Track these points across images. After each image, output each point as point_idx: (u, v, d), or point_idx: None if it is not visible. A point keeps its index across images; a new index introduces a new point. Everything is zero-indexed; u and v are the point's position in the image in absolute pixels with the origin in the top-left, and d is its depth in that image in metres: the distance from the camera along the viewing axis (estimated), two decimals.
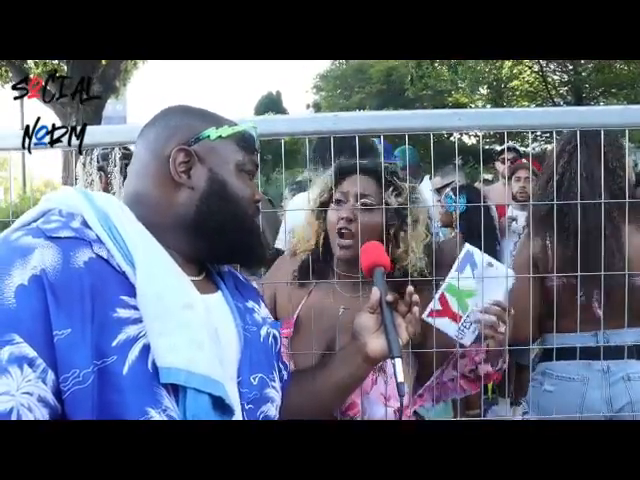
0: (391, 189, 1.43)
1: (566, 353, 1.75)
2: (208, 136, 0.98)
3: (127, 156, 1.84)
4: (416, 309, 1.09)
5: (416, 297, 1.09)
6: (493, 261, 1.38)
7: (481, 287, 1.37)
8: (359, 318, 1.12)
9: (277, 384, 1.06)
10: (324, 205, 1.51)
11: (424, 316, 1.38)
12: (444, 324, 1.38)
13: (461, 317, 1.38)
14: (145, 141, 1.01)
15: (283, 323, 1.50)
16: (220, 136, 0.99)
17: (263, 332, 1.08)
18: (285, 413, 1.08)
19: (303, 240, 1.55)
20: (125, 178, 1.70)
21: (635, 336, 1.73)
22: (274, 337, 1.11)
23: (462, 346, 1.38)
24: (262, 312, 1.12)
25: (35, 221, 0.90)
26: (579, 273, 1.42)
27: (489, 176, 5.63)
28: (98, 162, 2.19)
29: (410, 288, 1.11)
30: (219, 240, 0.99)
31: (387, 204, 1.42)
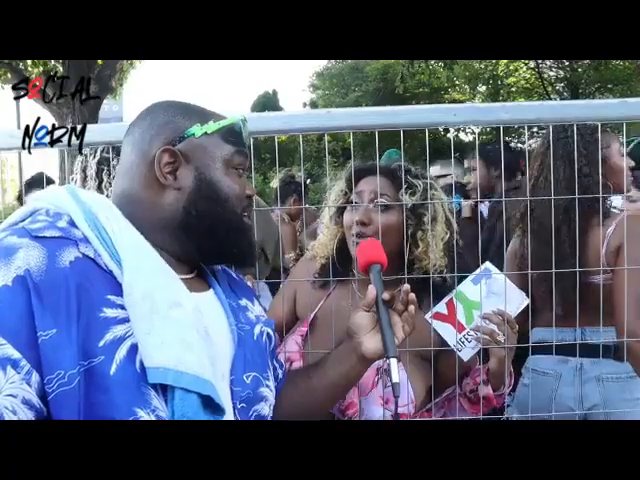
0: (405, 187, 1.41)
1: (549, 347, 1.74)
2: (193, 134, 0.95)
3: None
4: (412, 308, 1.08)
5: (412, 296, 1.08)
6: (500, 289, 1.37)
7: (490, 302, 1.36)
8: (355, 317, 1.10)
9: (271, 383, 1.05)
10: (342, 207, 1.50)
11: (427, 316, 1.38)
12: (445, 330, 1.37)
13: (464, 328, 1.37)
14: (131, 140, 0.99)
15: (301, 322, 1.52)
16: (205, 132, 0.96)
17: (257, 330, 1.06)
18: (280, 412, 1.06)
19: (322, 244, 1.55)
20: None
21: (613, 335, 1.71)
22: (268, 335, 1.10)
23: (460, 360, 1.37)
24: (256, 310, 1.10)
25: (22, 221, 0.89)
26: (530, 271, 1.42)
27: None
28: (82, 153, 2.17)
29: (407, 286, 1.09)
30: (208, 240, 0.97)
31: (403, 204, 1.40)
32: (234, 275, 1.13)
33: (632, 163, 1.94)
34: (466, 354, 1.37)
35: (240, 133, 1.01)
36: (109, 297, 0.83)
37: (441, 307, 1.39)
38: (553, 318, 1.49)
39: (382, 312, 1.06)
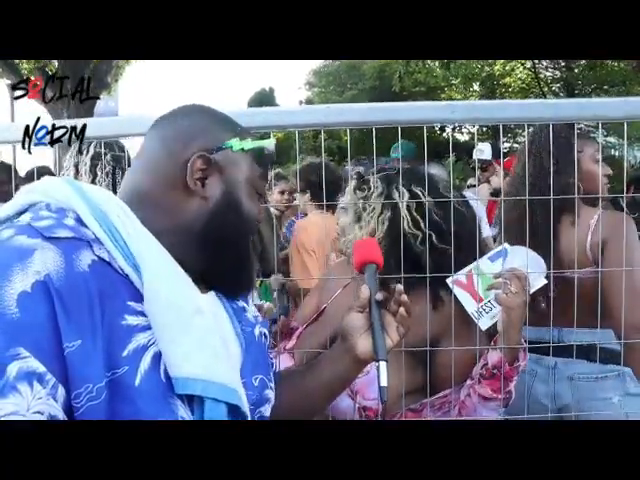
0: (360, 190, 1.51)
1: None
2: (231, 147, 0.93)
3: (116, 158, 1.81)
4: (403, 310, 1.05)
5: (405, 297, 1.05)
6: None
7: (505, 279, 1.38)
8: (348, 317, 1.08)
9: (273, 384, 1.03)
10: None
11: (448, 280, 1.41)
12: (465, 298, 1.40)
13: (482, 299, 1.39)
14: (160, 138, 0.94)
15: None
16: (242, 149, 0.94)
17: (257, 332, 1.04)
18: (276, 412, 1.05)
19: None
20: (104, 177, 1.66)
21: (589, 337, 1.73)
22: (265, 336, 1.08)
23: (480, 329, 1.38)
24: (252, 311, 1.08)
25: (19, 215, 0.83)
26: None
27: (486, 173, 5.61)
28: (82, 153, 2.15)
29: (399, 286, 1.07)
30: (219, 255, 0.93)
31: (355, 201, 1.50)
32: None
33: (609, 171, 1.95)
34: (484, 323, 1.39)
35: (272, 158, 1.00)
36: (129, 303, 0.79)
37: (461, 276, 1.42)
38: (526, 317, 1.49)
39: (375, 313, 1.04)
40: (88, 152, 1.82)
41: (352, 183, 1.53)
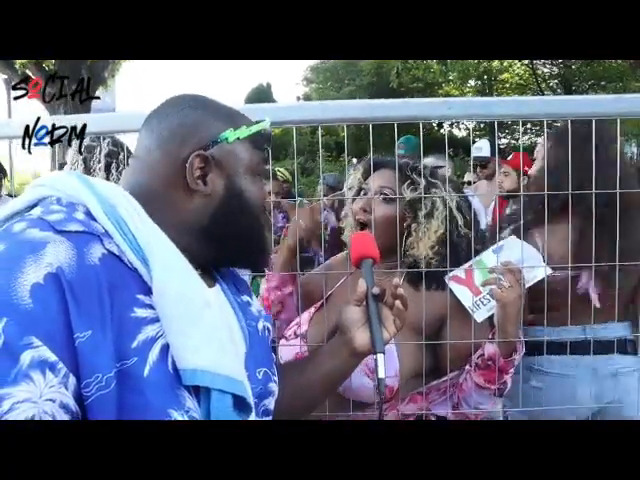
0: (407, 182, 1.47)
1: (552, 348, 1.73)
2: (226, 139, 0.92)
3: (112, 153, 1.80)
4: (398, 302, 1.07)
5: (401, 290, 1.07)
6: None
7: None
8: (346, 311, 1.09)
9: (276, 377, 1.04)
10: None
11: (445, 278, 1.43)
12: (462, 292, 1.42)
13: (480, 292, 1.41)
14: (156, 135, 0.93)
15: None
16: (237, 138, 0.93)
17: (260, 326, 1.05)
18: (275, 405, 1.05)
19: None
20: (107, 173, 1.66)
21: (622, 331, 1.72)
22: (268, 330, 1.09)
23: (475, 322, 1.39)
24: (256, 305, 1.09)
25: (28, 209, 0.84)
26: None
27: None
28: (81, 154, 2.13)
29: (396, 280, 1.08)
30: (231, 245, 0.94)
31: (402, 196, 1.46)
32: (233, 271, 1.10)
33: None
34: (480, 315, 1.40)
35: (269, 139, 0.99)
36: (138, 296, 0.80)
37: (460, 272, 1.44)
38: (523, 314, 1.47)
39: (372, 306, 1.05)
40: (101, 149, 1.81)
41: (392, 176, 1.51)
